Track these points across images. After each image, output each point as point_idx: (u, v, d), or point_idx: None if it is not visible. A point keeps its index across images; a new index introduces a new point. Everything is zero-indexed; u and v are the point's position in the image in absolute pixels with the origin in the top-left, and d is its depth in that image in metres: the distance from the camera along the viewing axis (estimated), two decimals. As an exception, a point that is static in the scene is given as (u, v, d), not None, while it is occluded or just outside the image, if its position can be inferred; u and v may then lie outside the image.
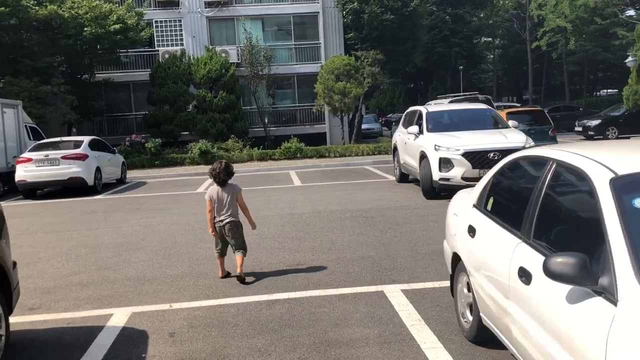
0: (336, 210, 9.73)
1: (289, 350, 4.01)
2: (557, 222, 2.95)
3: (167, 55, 24.39)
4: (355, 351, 3.94)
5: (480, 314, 3.65)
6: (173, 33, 25.87)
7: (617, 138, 22.92)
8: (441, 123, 11.64)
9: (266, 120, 25.25)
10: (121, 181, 16.74)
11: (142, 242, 8.00)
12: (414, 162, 11.43)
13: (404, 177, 12.92)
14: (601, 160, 2.74)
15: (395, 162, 13.58)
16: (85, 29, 21.37)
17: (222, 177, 5.77)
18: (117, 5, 23.14)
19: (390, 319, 4.51)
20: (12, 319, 4.35)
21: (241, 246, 5.86)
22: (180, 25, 25.84)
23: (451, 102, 16.84)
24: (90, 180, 14.19)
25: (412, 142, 11.65)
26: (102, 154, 15.34)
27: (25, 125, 16.91)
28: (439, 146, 10.27)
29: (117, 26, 21.74)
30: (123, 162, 17.26)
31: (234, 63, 24.47)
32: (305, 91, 26.34)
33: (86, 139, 15.15)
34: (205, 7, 25.75)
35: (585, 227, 2.74)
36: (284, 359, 3.89)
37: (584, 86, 46.07)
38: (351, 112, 24.41)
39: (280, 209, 10.25)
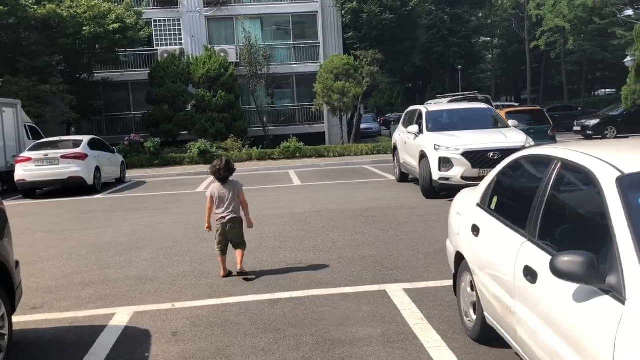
0: (337, 210, 9.74)
1: (292, 350, 4.01)
2: (563, 221, 2.95)
3: (165, 55, 24.36)
4: (358, 350, 3.94)
5: (484, 313, 3.65)
6: (172, 32, 25.84)
7: (615, 137, 22.97)
8: (441, 122, 11.63)
9: (265, 120, 25.24)
10: (120, 181, 16.72)
11: (142, 241, 7.99)
12: (413, 162, 11.43)
13: (404, 177, 12.92)
14: (607, 159, 2.74)
15: (395, 162, 13.59)
16: (84, 28, 21.34)
17: (223, 174, 5.79)
18: (115, 4, 23.11)
19: (393, 318, 4.51)
20: (15, 318, 4.34)
21: (239, 243, 5.91)
22: (179, 24, 25.81)
23: (450, 101, 16.86)
24: (89, 180, 14.17)
25: (411, 142, 11.66)
26: (102, 154, 15.32)
27: (25, 125, 16.89)
28: (439, 145, 10.27)
29: (116, 25, 21.72)
30: (122, 161, 17.24)
31: (232, 62, 24.45)
32: (304, 91, 26.33)
33: (85, 138, 15.13)
34: (204, 7, 25.72)
35: (591, 226, 2.74)
36: (288, 358, 3.88)
37: (582, 86, 46.11)
38: (350, 112, 24.41)
39: (280, 208, 10.25)
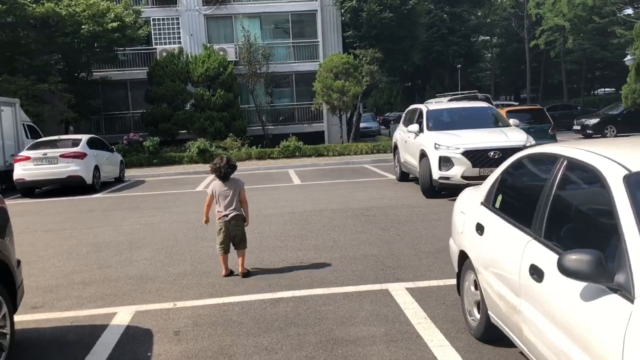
0: (337, 209, 9.72)
1: (295, 349, 3.99)
2: (569, 219, 2.94)
3: (164, 54, 24.31)
4: (362, 349, 3.93)
5: (489, 311, 3.64)
6: (170, 31, 25.79)
7: (615, 136, 22.97)
8: (442, 121, 11.60)
9: (264, 119, 25.20)
10: (119, 180, 16.68)
11: (143, 240, 7.97)
12: (414, 161, 11.40)
13: (404, 176, 12.89)
14: (613, 157, 2.73)
15: (396, 161, 13.56)
16: (82, 26, 21.28)
17: (224, 172, 5.79)
18: (114, 3, 23.05)
19: (396, 317, 4.49)
20: (16, 318, 4.31)
21: (241, 241, 5.91)
22: (178, 23, 25.76)
23: (450, 100, 16.84)
24: (88, 179, 14.13)
25: (412, 141, 11.63)
26: (101, 153, 15.28)
27: (23, 124, 16.85)
28: (439, 145, 10.24)
29: (114, 24, 21.67)
30: (121, 160, 17.21)
31: (232, 61, 24.41)
32: (304, 89, 26.30)
33: (84, 137, 15.09)
34: (203, 5, 25.68)
35: (598, 224, 2.73)
36: (291, 357, 3.87)
37: (581, 85, 46.14)
38: (349, 111, 24.39)
39: (281, 207, 10.22)
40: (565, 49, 40.29)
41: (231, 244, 5.91)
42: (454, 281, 4.76)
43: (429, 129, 11.14)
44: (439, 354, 3.79)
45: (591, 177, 2.78)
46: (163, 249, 7.33)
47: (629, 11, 32.52)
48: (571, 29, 35.23)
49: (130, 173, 18.33)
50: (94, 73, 24.61)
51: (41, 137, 16.51)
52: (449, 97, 18.40)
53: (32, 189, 14.46)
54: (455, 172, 9.91)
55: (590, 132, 23.98)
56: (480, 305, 3.82)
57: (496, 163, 9.61)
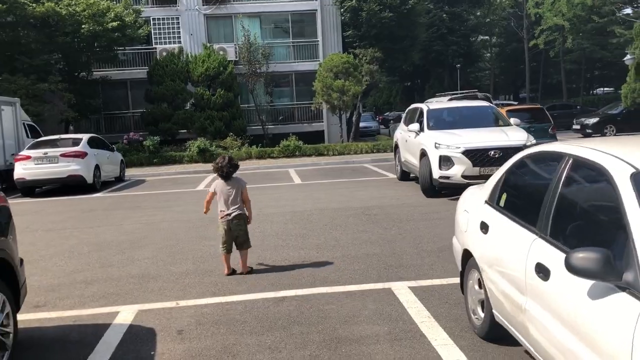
0: (338, 208, 9.71)
1: (299, 347, 3.98)
2: (575, 218, 2.93)
3: (164, 53, 24.29)
4: (366, 348, 3.92)
5: (493, 310, 3.63)
6: (170, 31, 25.76)
7: (615, 136, 22.99)
8: (442, 120, 11.59)
9: (264, 119, 25.19)
10: (120, 179, 16.67)
11: (144, 239, 7.96)
12: (414, 160, 11.40)
13: (405, 175, 12.88)
14: (620, 156, 2.72)
15: (396, 160, 13.56)
16: (82, 26, 21.26)
17: (226, 170, 5.80)
18: (114, 2, 23.03)
19: (400, 316, 4.49)
20: (19, 317, 4.30)
21: (245, 241, 5.91)
22: (178, 22, 25.74)
23: (451, 99, 16.82)
24: (89, 178, 14.12)
25: (412, 140, 11.63)
26: (101, 152, 15.27)
27: (23, 123, 16.82)
28: (439, 144, 10.22)
29: (114, 23, 21.65)
30: (122, 160, 17.19)
31: (231, 61, 24.40)
32: (303, 89, 26.30)
33: (85, 136, 15.08)
34: (203, 5, 25.66)
35: (605, 223, 2.72)
36: (295, 356, 3.86)
37: (581, 84, 46.16)
38: (349, 110, 24.38)
39: (282, 206, 10.22)
40: (565, 49, 40.30)
41: (234, 244, 5.91)
42: (456, 280, 4.76)
43: (429, 128, 11.13)
44: (443, 353, 3.79)
45: (597, 175, 2.77)
46: (165, 248, 7.32)
47: (628, 11, 32.55)
48: (570, 28, 35.25)
49: (131, 172, 18.32)
50: (94, 72, 24.59)
51: (41, 136, 16.48)
52: (449, 97, 18.39)
53: (33, 189, 14.44)
54: (456, 172, 9.90)
55: (590, 131, 23.99)
56: (485, 303, 3.81)
57: (496, 162, 9.61)
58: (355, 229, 7.91)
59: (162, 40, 25.61)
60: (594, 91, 53.67)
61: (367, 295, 5.05)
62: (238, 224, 5.82)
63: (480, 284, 3.86)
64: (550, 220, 2.97)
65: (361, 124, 27.95)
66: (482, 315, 3.91)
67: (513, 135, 10.29)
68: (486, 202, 3.93)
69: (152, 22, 25.25)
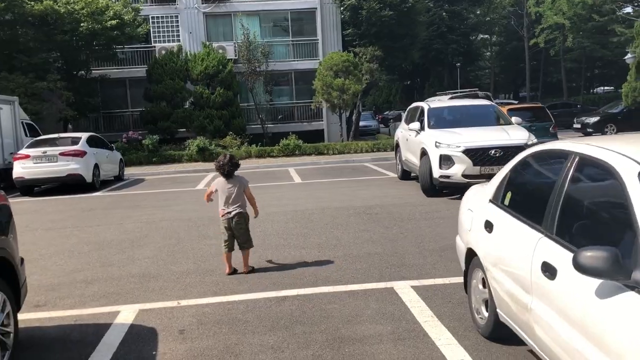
0: (340, 207, 9.68)
1: (302, 347, 3.96)
2: (582, 216, 2.91)
3: (163, 52, 24.23)
4: (369, 348, 3.89)
5: (497, 310, 3.61)
6: (169, 29, 25.71)
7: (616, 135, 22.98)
8: (443, 119, 11.55)
9: (263, 117, 25.15)
10: (119, 178, 16.63)
11: (145, 238, 7.92)
12: (415, 159, 11.36)
13: (405, 175, 12.84)
14: (627, 153, 2.69)
15: (397, 159, 13.53)
16: (81, 24, 21.20)
17: (228, 169, 5.78)
18: (113, 0, 22.97)
19: (403, 316, 4.46)
20: (19, 316, 4.27)
21: (246, 241, 5.88)
22: (177, 21, 25.69)
23: (451, 98, 16.79)
24: (88, 177, 14.07)
25: (413, 139, 11.59)
26: (100, 151, 15.23)
27: (22, 122, 16.77)
28: (440, 143, 10.18)
29: (113, 22, 21.60)
30: (121, 159, 17.15)
31: (231, 59, 24.34)
32: (303, 88, 26.26)
33: (84, 135, 15.03)
34: (202, 3, 25.61)
35: (612, 221, 2.70)
36: (298, 356, 3.83)
37: (581, 83, 46.15)
38: (349, 109, 24.35)
39: (283, 205, 10.18)
40: (565, 47, 40.28)
41: (236, 243, 5.89)
42: (459, 279, 4.74)
43: (430, 127, 11.10)
44: (447, 353, 3.76)
45: (604, 173, 2.74)
46: (165, 247, 7.29)
47: (629, 9, 32.52)
48: (571, 27, 35.23)
49: (130, 171, 18.27)
50: (93, 71, 24.54)
51: (40, 135, 16.43)
52: (450, 95, 18.36)
53: (32, 188, 14.39)
54: (456, 171, 9.85)
55: (591, 130, 23.97)
56: (489, 303, 3.79)
57: (497, 161, 9.58)
58: (357, 228, 7.88)
59: (161, 39, 25.56)
60: (594, 90, 53.67)
61: (370, 294, 5.02)
62: (238, 223, 5.80)
63: (484, 283, 3.84)
64: (557, 219, 2.95)
65: (361, 123, 27.91)
66: (486, 314, 3.89)
67: (514, 134, 10.24)
68: (490, 200, 3.90)
69: (151, 21, 25.20)
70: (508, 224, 3.49)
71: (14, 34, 20.93)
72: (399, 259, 6.15)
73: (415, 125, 11.41)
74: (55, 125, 21.92)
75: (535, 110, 17.42)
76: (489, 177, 8.23)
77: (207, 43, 24.50)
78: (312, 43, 26.35)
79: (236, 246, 5.91)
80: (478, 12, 44.62)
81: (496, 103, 18.35)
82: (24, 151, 14.11)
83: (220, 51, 24.13)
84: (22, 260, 4.26)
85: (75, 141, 14.52)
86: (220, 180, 5.88)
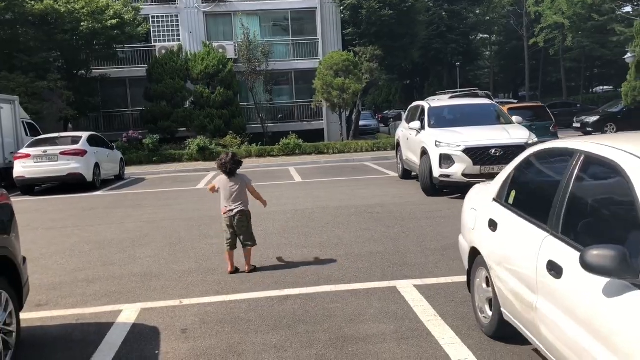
0: (340, 206, 9.67)
1: (305, 347, 3.95)
2: (587, 215, 2.90)
3: (163, 51, 24.21)
4: (372, 347, 3.89)
5: (502, 309, 3.60)
6: (170, 28, 25.70)
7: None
8: (443, 118, 11.54)
9: (264, 117, 25.14)
10: (120, 177, 16.61)
11: (146, 238, 7.91)
12: (415, 158, 11.34)
13: (406, 174, 12.83)
14: (633, 152, 2.68)
15: (398, 158, 13.51)
16: (81, 24, 21.19)
17: (230, 167, 5.78)
18: (113, 0, 22.95)
19: (406, 315, 4.45)
20: (21, 316, 4.25)
21: (249, 238, 5.88)
22: (177, 20, 25.68)
23: (452, 97, 16.76)
24: (89, 177, 14.06)
25: (413, 138, 11.58)
26: (101, 150, 15.21)
27: (22, 121, 16.76)
28: (440, 142, 10.16)
29: (113, 21, 21.59)
30: (121, 158, 17.13)
31: (231, 59, 24.33)
32: (303, 87, 26.25)
33: (85, 134, 15.02)
34: (202, 3, 25.60)
35: (618, 219, 2.69)
36: (301, 355, 3.82)
37: (580, 83, 46.13)
38: (349, 108, 24.34)
39: (283, 204, 10.17)
40: (565, 47, 40.24)
41: (239, 242, 5.89)
42: (462, 278, 4.73)
43: (430, 126, 11.08)
44: (451, 352, 3.75)
45: (610, 171, 2.73)
46: (166, 247, 7.27)
47: (628, 9, 32.51)
48: (570, 26, 35.18)
49: (130, 171, 18.26)
50: (93, 70, 24.53)
51: (40, 134, 16.42)
52: (450, 95, 18.33)
53: (32, 187, 14.38)
54: (456, 170, 9.83)
55: (590, 129, 23.96)
56: (493, 302, 3.78)
57: (498, 161, 9.57)
58: (358, 227, 7.87)
59: (162, 38, 25.55)
60: (594, 89, 53.64)
61: (372, 293, 5.01)
62: (240, 220, 5.79)
63: (488, 282, 3.83)
64: (562, 217, 2.94)
65: (361, 122, 27.91)
66: (489, 313, 3.88)
67: (515, 133, 10.22)
68: (494, 199, 3.89)
69: (151, 20, 25.18)
70: (513, 222, 3.48)
71: (14, 33, 20.91)
72: (401, 258, 6.14)
73: (416, 124, 11.40)
74: (55, 124, 21.91)
75: (536, 110, 17.42)
76: (489, 176, 8.25)
77: (207, 42, 24.47)
78: (312, 42, 26.34)
79: (238, 245, 5.91)
80: (477, 12, 44.54)
81: (496, 102, 18.36)
82: (24, 150, 14.09)
83: (221, 51, 24.11)
84: (24, 259, 4.24)
85: (75, 140, 14.51)
86: (223, 178, 5.88)
